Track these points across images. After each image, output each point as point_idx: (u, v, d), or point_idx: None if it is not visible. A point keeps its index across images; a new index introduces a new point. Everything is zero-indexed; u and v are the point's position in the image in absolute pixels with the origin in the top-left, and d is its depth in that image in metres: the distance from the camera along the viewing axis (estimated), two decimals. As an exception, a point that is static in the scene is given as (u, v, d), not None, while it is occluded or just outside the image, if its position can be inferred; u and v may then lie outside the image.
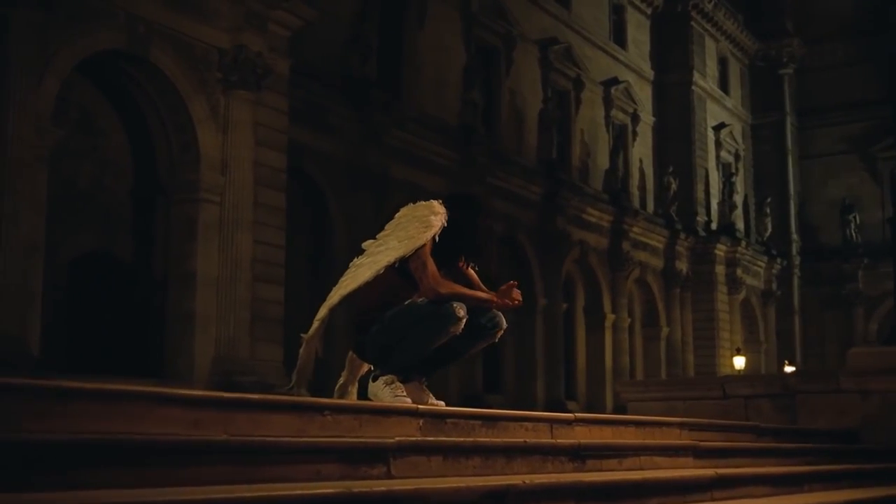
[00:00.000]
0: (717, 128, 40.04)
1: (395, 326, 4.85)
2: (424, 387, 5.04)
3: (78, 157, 16.73)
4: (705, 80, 39.20)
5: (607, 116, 34.24)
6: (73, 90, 16.50)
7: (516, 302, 4.99)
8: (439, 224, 5.00)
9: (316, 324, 5.02)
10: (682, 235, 35.51)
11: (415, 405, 4.36)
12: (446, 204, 5.14)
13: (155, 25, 15.93)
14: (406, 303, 4.86)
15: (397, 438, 3.69)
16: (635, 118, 35.76)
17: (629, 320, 33.05)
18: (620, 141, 34.51)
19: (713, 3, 39.05)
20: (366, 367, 5.12)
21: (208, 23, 16.74)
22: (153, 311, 16.71)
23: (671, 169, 35.86)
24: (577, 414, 4.97)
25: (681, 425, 5.79)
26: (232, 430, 3.18)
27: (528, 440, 4.31)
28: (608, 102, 34.22)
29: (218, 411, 3.24)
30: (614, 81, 34.51)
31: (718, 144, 40.19)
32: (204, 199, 16.65)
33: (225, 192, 16.83)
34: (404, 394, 4.79)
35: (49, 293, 15.69)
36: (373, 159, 22.46)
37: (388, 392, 4.78)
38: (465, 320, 4.80)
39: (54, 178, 16.12)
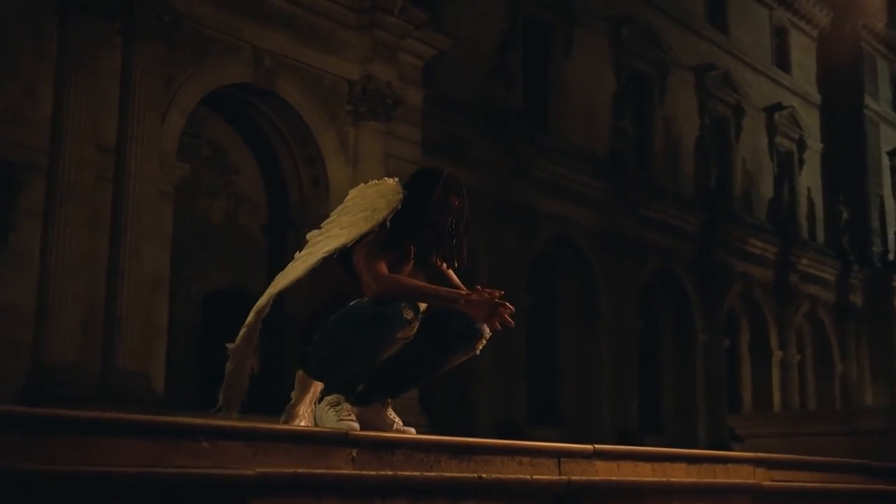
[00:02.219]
0: (892, 153, 37.79)
1: (337, 334, 4.05)
2: (389, 410, 4.27)
3: (211, 194, 16.72)
4: (878, 103, 37.10)
5: (771, 143, 32.67)
6: (204, 126, 16.54)
7: (503, 318, 4.02)
8: (391, 207, 4.21)
9: (243, 331, 4.26)
10: (856, 267, 33.49)
11: (343, 429, 3.63)
12: (406, 182, 4.44)
13: (282, 58, 15.78)
14: (350, 304, 4.06)
15: (265, 471, 2.91)
16: (801, 145, 34.01)
17: (799, 357, 31.27)
18: (786, 169, 32.89)
19: (884, 22, 37.02)
20: (318, 388, 4.40)
21: (337, 54, 16.51)
22: (281, 348, 16.42)
23: (842, 197, 33.94)
24: (597, 445, 4.04)
25: (756, 462, 4.74)
26: (45, 457, 2.47)
27: (521, 476, 3.48)
28: (771, 129, 32.66)
29: (23, 435, 2.50)
30: (778, 107, 32.94)
31: (894, 170, 37.92)
32: (334, 232, 16.30)
33: (355, 225, 16.45)
34: (352, 417, 3.95)
35: (182, 329, 15.65)
36: (518, 192, 21.84)
37: (332, 415, 3.95)
38: (416, 323, 4.00)
39: (187, 215, 16.14)
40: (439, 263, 4.33)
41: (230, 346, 4.29)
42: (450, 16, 21.03)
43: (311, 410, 4.26)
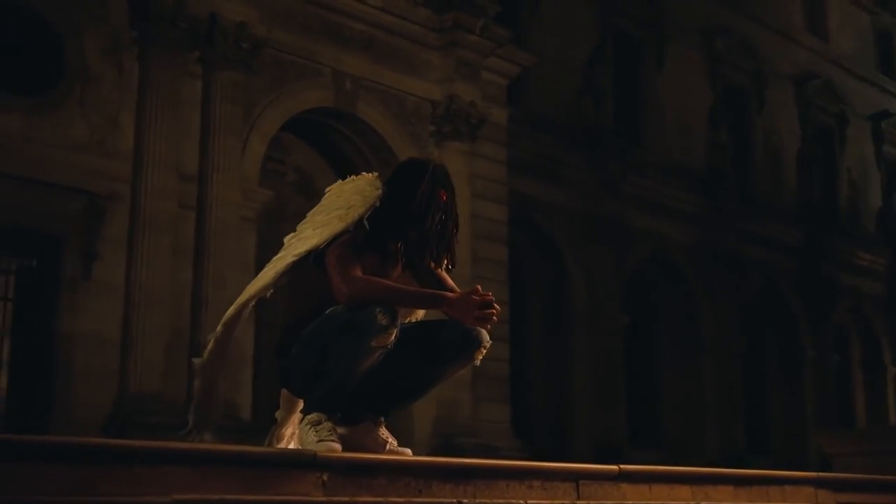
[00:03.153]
0: None
1: (312, 345, 3.72)
2: (381, 429, 3.92)
3: (297, 219, 16.59)
4: None
5: (878, 152, 31.49)
6: (289, 152, 16.52)
7: (489, 317, 3.68)
8: (367, 204, 3.88)
9: (210, 345, 3.97)
10: (973, 278, 32.05)
11: (311, 450, 3.29)
12: (389, 176, 4.07)
13: (362, 81, 15.68)
14: (326, 312, 3.73)
15: (184, 497, 2.57)
16: (912, 152, 32.78)
17: (915, 373, 30.02)
18: (895, 178, 31.69)
19: None
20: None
21: (418, 75, 16.36)
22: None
23: (957, 206, 32.56)
24: (623, 465, 3.62)
25: (818, 483, 4.24)
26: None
27: (530, 502, 3.12)
28: (878, 137, 31.48)
29: None
30: (885, 114, 31.75)
31: None
32: (420, 255, 16.11)
33: (440, 247, 16.25)
34: (333, 437, 3.62)
35: (269, 356, 15.57)
36: (611, 210, 21.37)
37: (311, 435, 3.63)
38: (393, 329, 3.63)
39: (274, 241, 16.08)
40: (431, 265, 3.99)
41: (197, 361, 3.99)
42: (536, 33, 20.75)
43: (293, 430, 3.97)
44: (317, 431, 3.62)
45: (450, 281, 4.02)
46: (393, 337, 3.65)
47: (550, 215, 20.45)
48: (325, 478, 2.93)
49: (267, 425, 13.83)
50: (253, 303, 4.02)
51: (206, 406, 4.02)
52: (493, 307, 3.70)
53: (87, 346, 12.65)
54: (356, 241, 3.83)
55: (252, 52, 14.13)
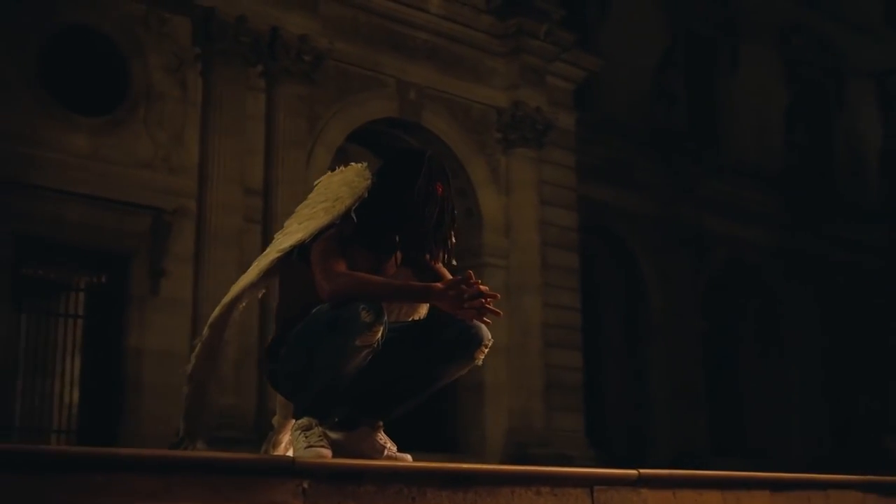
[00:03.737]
0: None
1: (299, 346, 3.55)
2: (379, 434, 3.76)
3: (366, 231, 16.63)
4: None
5: (965, 149, 30.54)
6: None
7: (481, 307, 3.46)
8: (355, 196, 3.71)
9: (197, 348, 3.83)
10: None
11: (289, 456, 3.15)
12: (381, 167, 3.88)
13: (427, 90, 15.62)
14: (313, 310, 3.54)
15: None
16: None
17: None
18: None
19: None
20: None
21: (483, 82, 16.24)
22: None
23: None
24: (643, 470, 3.39)
25: (865, 486, 3.90)
26: None
27: None
28: (964, 133, 30.55)
29: None
30: (971, 110, 30.82)
31: None
32: (488, 263, 15.98)
33: (510, 255, 16.12)
34: (323, 443, 3.47)
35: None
36: (686, 214, 21.00)
37: (301, 441, 3.48)
38: (379, 327, 3.42)
39: (341, 253, 16.10)
40: (430, 260, 3.82)
41: (185, 369, 3.88)
42: (604, 35, 20.49)
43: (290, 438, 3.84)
44: (306, 437, 3.49)
45: (448, 276, 3.83)
46: (379, 335, 3.46)
47: (624, 221, 20.15)
48: (305, 485, 2.77)
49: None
50: (242, 304, 3.90)
51: (198, 413, 3.90)
52: (486, 296, 3.50)
53: (156, 361, 12.71)
54: (343, 235, 3.66)
55: (314, 65, 14.13)
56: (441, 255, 3.85)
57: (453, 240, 3.97)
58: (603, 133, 19.31)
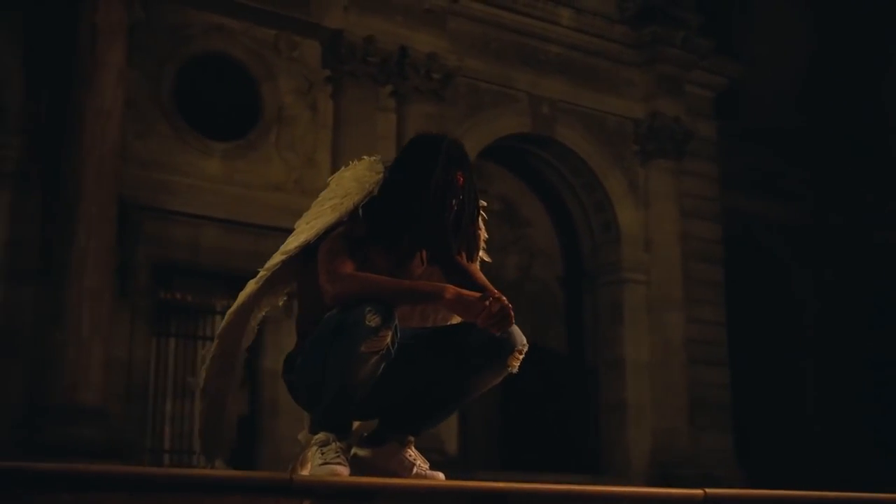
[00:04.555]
0: None
1: (313, 355, 3.29)
2: (409, 450, 3.46)
3: (503, 249, 16.43)
4: None
5: None
6: (493, 181, 16.34)
7: (499, 318, 3.16)
8: (364, 191, 3.43)
9: (207, 362, 3.57)
10: None
11: (286, 474, 2.88)
12: (397, 157, 3.55)
13: (560, 104, 15.36)
14: (325, 315, 3.26)
15: None
16: None
17: None
18: None
19: None
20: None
21: (618, 93, 15.89)
22: (585, 401, 15.79)
23: None
24: (710, 490, 3.01)
25: None
26: None
27: None
28: None
29: None
30: None
31: None
32: (628, 279, 15.59)
33: (650, 270, 15.67)
34: (339, 460, 3.19)
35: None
36: (842, 223, 20.09)
37: (317, 458, 3.23)
38: (387, 332, 3.14)
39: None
40: (455, 257, 3.53)
41: (193, 381, 3.68)
42: (747, 41, 19.82)
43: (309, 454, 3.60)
44: (322, 453, 3.24)
45: (479, 275, 3.55)
46: (388, 341, 3.18)
47: (774, 232, 19.42)
48: (304, 506, 2.55)
49: (482, 458, 13.66)
50: (260, 312, 3.67)
51: (216, 430, 3.65)
52: (503, 304, 3.21)
53: (272, 380, 12.76)
54: (353, 233, 3.40)
55: (444, 82, 14.06)
56: (464, 250, 3.57)
57: (484, 234, 3.72)
58: (745, 141, 18.66)
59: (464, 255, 3.57)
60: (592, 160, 15.66)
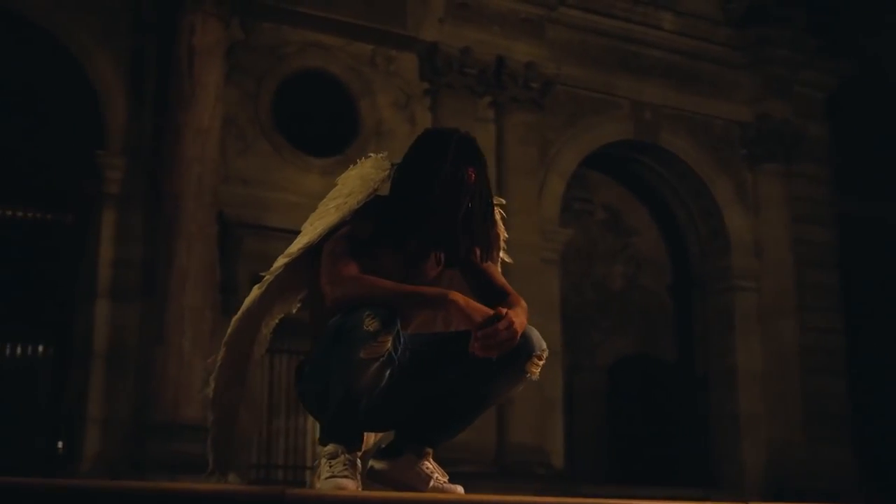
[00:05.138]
0: None
1: (317, 363, 3.16)
2: (426, 462, 3.29)
3: (609, 258, 16.20)
4: None
5: None
6: (597, 190, 16.13)
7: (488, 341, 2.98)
8: (368, 189, 3.27)
9: (214, 371, 3.42)
10: None
11: (278, 489, 2.71)
12: (406, 154, 3.37)
13: (663, 109, 15.05)
14: (329, 321, 3.10)
15: None
16: None
17: None
18: None
19: None
20: (371, 437, 3.44)
21: (724, 97, 15.49)
22: (696, 413, 15.40)
23: None
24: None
25: None
26: None
27: None
28: None
29: None
30: None
31: None
32: (738, 286, 15.17)
33: (761, 276, 15.22)
34: (347, 473, 3.05)
35: (586, 400, 15.17)
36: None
37: (325, 471, 3.09)
38: (386, 337, 2.98)
39: (585, 282, 15.75)
40: (477, 259, 3.36)
41: (205, 392, 3.49)
42: (860, 38, 19.15)
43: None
44: (330, 466, 3.10)
45: (498, 277, 3.39)
46: (388, 346, 3.02)
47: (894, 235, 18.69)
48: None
49: (589, 471, 13.39)
50: (273, 319, 3.54)
51: (227, 442, 3.51)
52: (500, 335, 3.01)
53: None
54: (358, 234, 3.24)
55: (543, 91, 13.90)
56: (480, 251, 3.39)
57: (503, 234, 3.54)
58: (864, 141, 18.02)
59: (481, 255, 3.40)
60: (698, 166, 15.30)
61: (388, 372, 3.09)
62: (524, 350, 3.15)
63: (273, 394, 13.39)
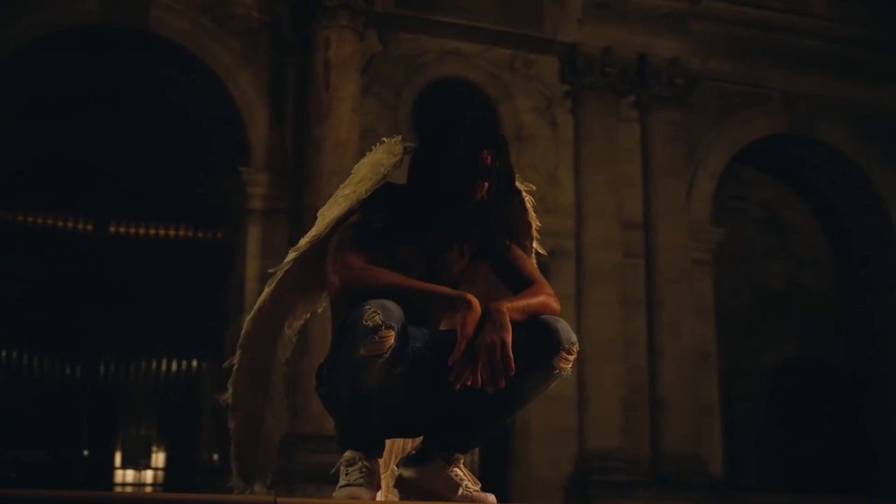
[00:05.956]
0: None
1: (329, 362, 2.99)
2: (455, 469, 3.05)
3: (768, 257, 15.60)
4: None
5: None
6: (751, 187, 15.58)
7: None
8: (378, 176, 3.07)
9: (233, 376, 3.23)
10: None
11: (270, 497, 2.50)
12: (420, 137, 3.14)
13: (818, 100, 14.39)
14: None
15: None
16: None
17: None
18: None
19: None
20: (408, 444, 3.25)
21: (884, 84, 14.69)
22: (863, 417, 14.65)
23: None
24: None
25: None
26: None
27: None
28: None
29: None
30: None
31: None
32: (903, 284, 14.40)
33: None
34: (362, 481, 2.88)
35: (746, 406, 14.65)
36: None
37: (342, 479, 2.92)
38: (388, 333, 2.75)
39: (743, 283, 15.24)
40: (510, 250, 3.14)
41: (221, 397, 3.31)
42: None
43: (385, 476, 3.21)
44: (347, 474, 2.94)
45: (526, 268, 3.16)
46: (391, 342, 2.78)
47: None
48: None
49: (749, 480, 12.87)
50: (298, 320, 3.35)
51: (250, 450, 3.35)
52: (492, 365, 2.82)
53: (543, 404, 12.51)
54: (369, 223, 3.05)
55: (688, 88, 13.50)
56: (501, 240, 3.16)
57: (535, 222, 3.34)
58: None
59: (499, 243, 3.18)
60: (859, 158, 14.59)
61: (397, 370, 2.89)
62: (552, 344, 2.93)
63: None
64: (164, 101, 13.19)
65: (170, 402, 14.02)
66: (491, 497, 3.10)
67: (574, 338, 2.97)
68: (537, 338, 2.93)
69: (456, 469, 3.11)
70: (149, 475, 14.31)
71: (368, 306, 2.79)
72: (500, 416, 3.09)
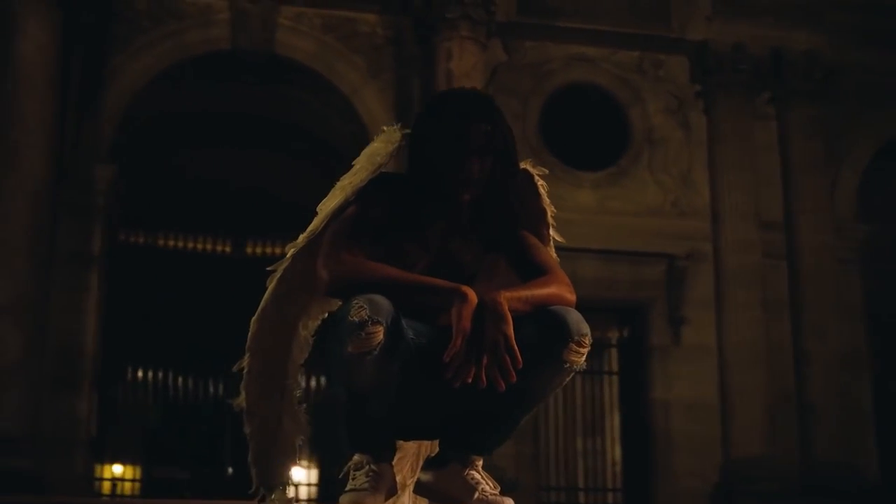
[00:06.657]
0: None
1: (326, 363, 2.83)
2: (472, 471, 2.85)
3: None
4: None
5: None
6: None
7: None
8: (374, 165, 2.86)
9: (244, 380, 3.04)
10: None
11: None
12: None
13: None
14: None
15: None
16: None
17: None
18: None
19: None
20: (435, 447, 3.03)
21: None
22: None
23: None
24: None
25: None
26: None
27: None
28: None
29: None
30: None
31: None
32: None
33: None
34: (366, 486, 2.72)
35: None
36: None
37: (350, 483, 2.77)
38: (375, 328, 2.55)
39: (890, 280, 14.61)
40: (524, 238, 2.93)
41: (235, 402, 3.12)
42: None
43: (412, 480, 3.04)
44: (353, 479, 2.79)
45: (539, 255, 2.93)
46: (379, 338, 2.58)
47: None
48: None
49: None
50: (312, 322, 3.11)
51: (269, 457, 3.15)
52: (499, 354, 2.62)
53: (685, 412, 12.25)
54: (366, 216, 2.86)
55: (826, 81, 13.01)
56: (500, 225, 2.95)
57: (550, 208, 3.11)
58: None
59: (501, 226, 2.96)
60: None
61: (393, 368, 2.70)
62: (561, 336, 2.69)
63: (567, 416, 13.24)
64: (290, 121, 13.38)
65: (317, 418, 14.13)
66: (509, 501, 2.88)
67: (586, 329, 2.72)
68: (544, 330, 2.70)
69: (473, 472, 2.91)
70: (302, 491, 14.45)
71: (355, 301, 2.61)
72: (514, 414, 2.88)
